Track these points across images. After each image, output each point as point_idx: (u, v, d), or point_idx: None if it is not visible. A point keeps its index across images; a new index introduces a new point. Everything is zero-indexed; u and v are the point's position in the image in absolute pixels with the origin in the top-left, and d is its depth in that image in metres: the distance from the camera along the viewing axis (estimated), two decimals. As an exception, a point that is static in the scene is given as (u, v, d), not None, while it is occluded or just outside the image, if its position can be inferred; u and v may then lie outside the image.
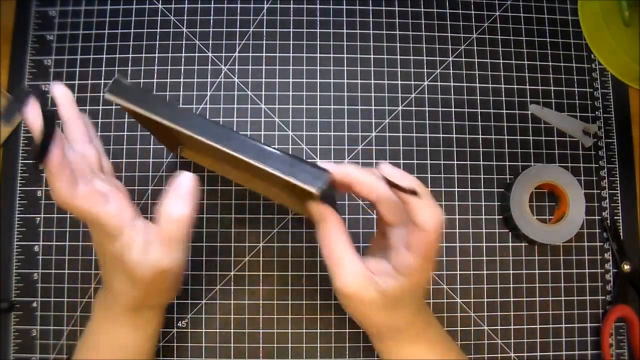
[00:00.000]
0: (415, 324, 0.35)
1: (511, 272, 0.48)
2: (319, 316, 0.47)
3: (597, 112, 0.51)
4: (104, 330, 0.37)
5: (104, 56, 0.50)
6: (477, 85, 0.50)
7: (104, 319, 0.37)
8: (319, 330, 0.47)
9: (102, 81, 0.49)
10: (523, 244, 0.48)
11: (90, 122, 0.39)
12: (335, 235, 0.32)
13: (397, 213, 0.32)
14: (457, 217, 0.48)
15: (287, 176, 0.30)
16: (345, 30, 0.51)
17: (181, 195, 0.32)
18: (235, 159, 0.32)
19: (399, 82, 0.50)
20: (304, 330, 0.47)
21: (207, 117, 0.49)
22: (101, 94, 0.49)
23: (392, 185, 0.29)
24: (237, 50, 0.50)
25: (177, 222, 0.32)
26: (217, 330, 0.46)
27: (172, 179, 0.32)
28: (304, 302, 0.47)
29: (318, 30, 0.51)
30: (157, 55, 0.50)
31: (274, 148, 0.31)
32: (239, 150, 0.31)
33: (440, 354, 0.36)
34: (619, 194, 0.49)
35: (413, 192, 0.29)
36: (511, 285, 0.48)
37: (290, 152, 0.32)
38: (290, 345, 0.46)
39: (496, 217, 0.49)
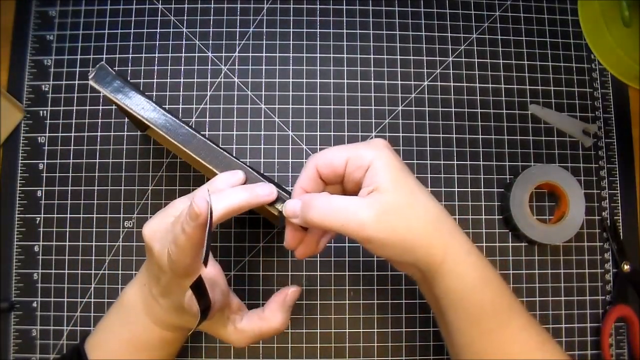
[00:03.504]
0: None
1: (511, 272, 0.48)
2: (319, 316, 0.47)
3: (597, 112, 0.51)
4: (139, 326, 0.37)
5: (104, 56, 0.50)
6: (477, 85, 0.50)
7: (142, 320, 0.37)
8: (319, 330, 0.47)
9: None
10: (523, 244, 0.48)
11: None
12: (327, 202, 0.31)
13: None
14: (457, 217, 0.48)
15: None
16: (345, 30, 0.51)
17: None
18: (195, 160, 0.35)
19: (399, 82, 0.50)
20: (304, 330, 0.47)
21: (207, 116, 0.49)
22: (101, 94, 0.49)
23: None
24: (237, 50, 0.50)
25: None
26: (217, 330, 0.46)
27: None
28: (304, 302, 0.47)
29: (318, 30, 0.51)
30: (157, 55, 0.50)
31: (239, 159, 0.35)
32: (207, 158, 0.35)
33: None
34: (619, 194, 0.49)
35: None
36: (511, 285, 0.48)
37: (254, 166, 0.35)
38: (290, 345, 0.46)
39: (496, 217, 0.49)
